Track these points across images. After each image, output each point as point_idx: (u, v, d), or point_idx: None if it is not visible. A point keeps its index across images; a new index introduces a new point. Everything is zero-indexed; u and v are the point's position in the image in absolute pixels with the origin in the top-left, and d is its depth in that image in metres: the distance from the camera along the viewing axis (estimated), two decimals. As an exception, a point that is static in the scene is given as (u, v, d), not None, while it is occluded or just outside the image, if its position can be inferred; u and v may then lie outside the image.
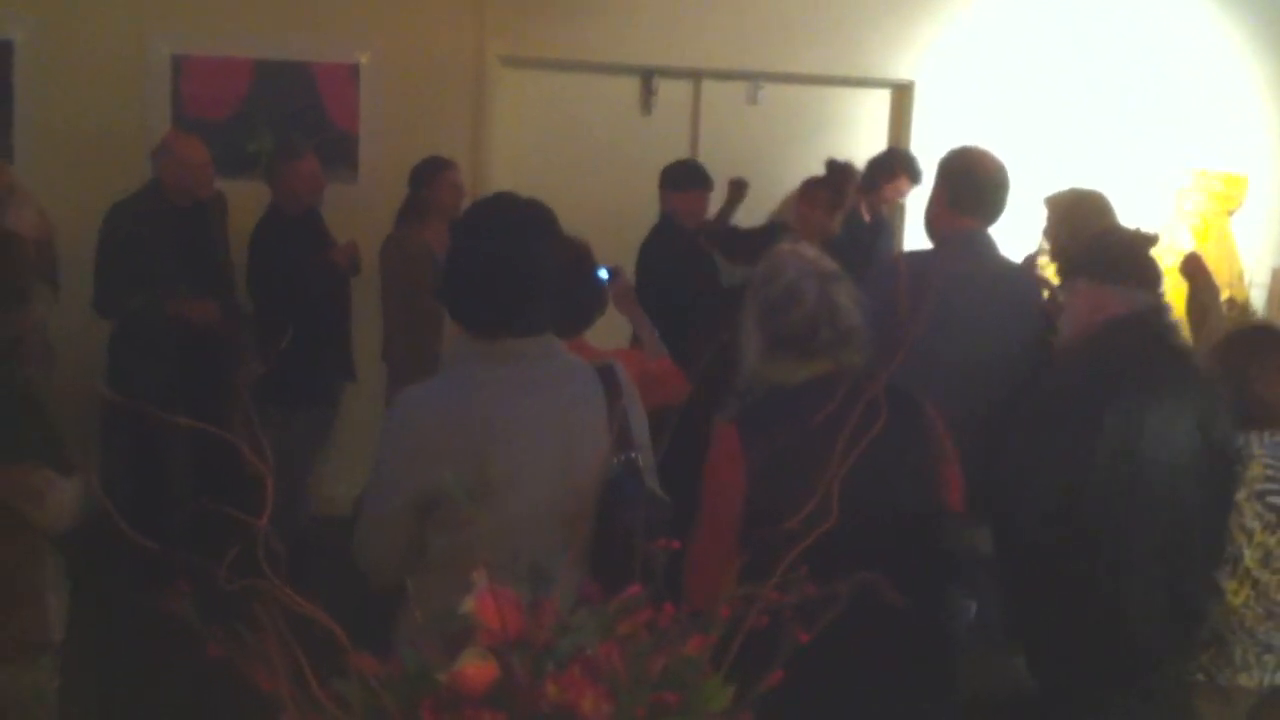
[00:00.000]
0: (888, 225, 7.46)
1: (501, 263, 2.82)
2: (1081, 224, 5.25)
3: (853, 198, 7.03)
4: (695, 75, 7.80)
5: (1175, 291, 6.96)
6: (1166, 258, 7.38)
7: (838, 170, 7.11)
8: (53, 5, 6.94)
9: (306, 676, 1.57)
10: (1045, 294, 4.82)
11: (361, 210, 6.95)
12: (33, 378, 3.58)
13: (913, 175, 7.17)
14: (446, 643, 1.60)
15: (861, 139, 7.81)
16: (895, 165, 7.25)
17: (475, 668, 1.53)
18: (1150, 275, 3.93)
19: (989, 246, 4.57)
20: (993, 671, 3.91)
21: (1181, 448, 3.54)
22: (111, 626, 4.59)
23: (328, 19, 7.19)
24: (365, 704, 1.57)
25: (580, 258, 4.03)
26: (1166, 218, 7.63)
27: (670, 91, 7.80)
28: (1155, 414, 3.53)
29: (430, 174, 6.58)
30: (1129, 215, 6.71)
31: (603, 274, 4.13)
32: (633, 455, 2.92)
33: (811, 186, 6.95)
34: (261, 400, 6.26)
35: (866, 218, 7.23)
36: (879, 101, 7.98)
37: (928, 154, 7.69)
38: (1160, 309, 3.86)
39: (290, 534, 3.08)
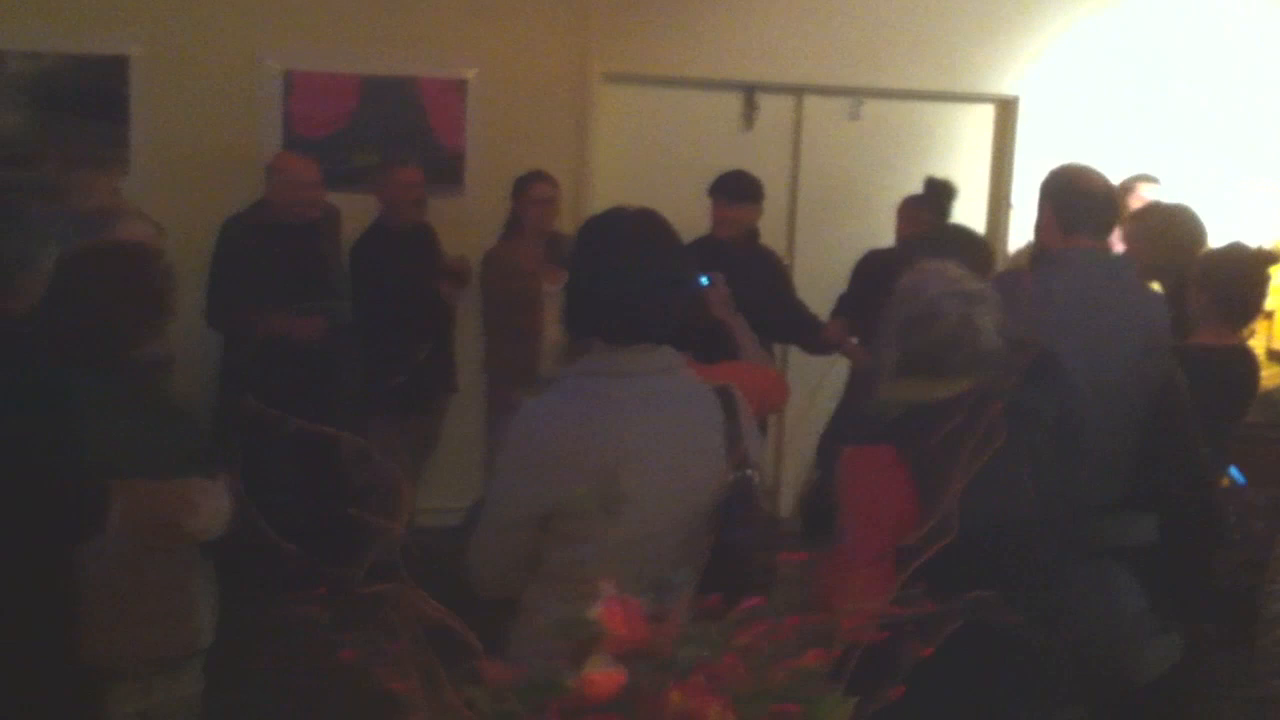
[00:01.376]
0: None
1: (622, 268, 2.82)
2: (1158, 238, 5.22)
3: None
4: (797, 91, 7.81)
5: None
6: (1278, 277, 7.33)
7: (937, 187, 7.08)
8: (168, 21, 7.09)
9: (438, 680, 1.61)
10: None
11: (467, 225, 7.05)
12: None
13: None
14: (571, 650, 1.64)
15: (964, 155, 7.79)
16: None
17: (602, 674, 1.57)
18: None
19: (1105, 263, 4.50)
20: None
21: None
22: (245, 630, 4.70)
23: (434, 35, 7.30)
24: (493, 709, 1.61)
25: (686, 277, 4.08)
26: (1275, 236, 7.53)
27: (772, 107, 7.82)
28: None
29: (521, 188, 6.71)
30: (1235, 232, 6.67)
31: (703, 280, 4.17)
32: (748, 473, 2.91)
33: (911, 205, 6.93)
34: (366, 412, 6.39)
35: None
36: (982, 117, 7.96)
37: (1031, 171, 7.67)
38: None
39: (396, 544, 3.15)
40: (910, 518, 2.94)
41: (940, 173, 7.15)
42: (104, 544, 3.40)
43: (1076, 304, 4.05)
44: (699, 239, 6.43)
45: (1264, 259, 5.14)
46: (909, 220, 6.72)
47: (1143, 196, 6.66)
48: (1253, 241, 5.50)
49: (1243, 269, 4.89)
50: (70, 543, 3.32)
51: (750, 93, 7.77)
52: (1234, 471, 5.05)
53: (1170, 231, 5.22)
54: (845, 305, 6.63)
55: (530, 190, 6.66)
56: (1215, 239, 5.54)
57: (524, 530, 2.83)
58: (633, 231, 2.92)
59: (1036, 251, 4.79)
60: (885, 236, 6.60)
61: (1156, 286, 5.00)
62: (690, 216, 6.59)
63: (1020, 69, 7.72)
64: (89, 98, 7.03)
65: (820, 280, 7.08)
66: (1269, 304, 7.32)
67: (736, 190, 6.56)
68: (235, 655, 4.10)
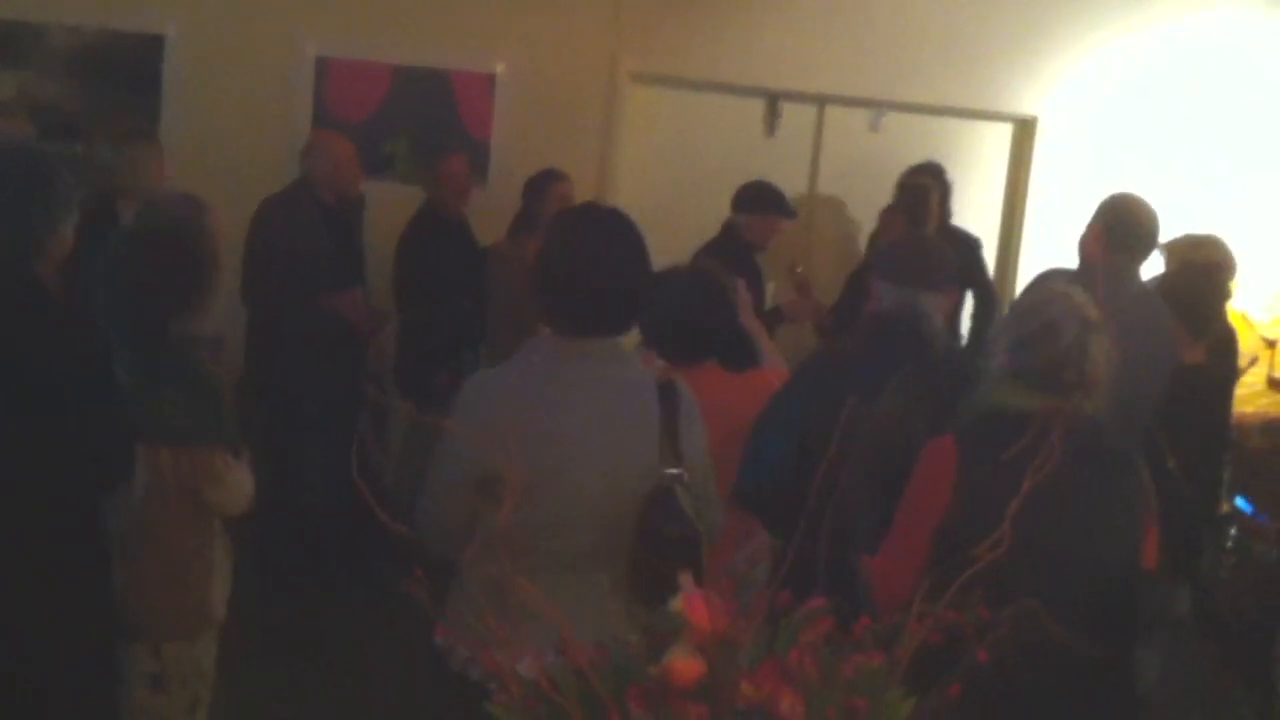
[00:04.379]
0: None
1: (579, 265, 3.02)
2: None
3: (935, 216, 7.07)
4: (819, 100, 7.89)
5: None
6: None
7: (912, 192, 7.18)
8: (205, 2, 7.17)
9: (524, 660, 1.72)
10: None
11: (491, 216, 7.12)
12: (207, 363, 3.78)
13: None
14: (650, 639, 1.73)
15: (982, 172, 7.88)
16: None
17: (684, 663, 1.67)
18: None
19: (1134, 278, 5.05)
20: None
21: None
22: (261, 603, 4.81)
23: (466, 28, 7.38)
24: (577, 689, 1.71)
25: (713, 289, 4.19)
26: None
27: (794, 115, 7.90)
28: None
29: (540, 187, 6.75)
30: (1251, 257, 6.78)
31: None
32: (679, 473, 3.02)
33: (888, 215, 7.07)
34: (398, 396, 6.52)
35: None
36: (1000, 135, 8.05)
37: (1049, 189, 7.79)
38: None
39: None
40: (937, 516, 3.07)
41: (957, 189, 7.27)
42: (128, 505, 3.51)
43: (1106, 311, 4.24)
44: (727, 241, 6.54)
45: (1218, 276, 5.35)
46: (887, 230, 6.87)
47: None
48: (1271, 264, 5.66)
49: (1197, 284, 5.14)
50: (99, 486, 3.43)
51: (774, 100, 7.85)
52: (1240, 501, 5.19)
53: (1197, 258, 5.47)
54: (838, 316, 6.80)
55: (550, 189, 6.73)
56: (1240, 263, 5.72)
57: (464, 490, 2.97)
58: (600, 228, 3.13)
59: (1080, 260, 5.18)
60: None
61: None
62: (709, 218, 6.73)
63: (1040, 90, 7.81)
64: (125, 73, 7.12)
65: (835, 289, 7.19)
66: (1274, 332, 7.44)
67: (782, 204, 6.73)
68: (251, 626, 4.21)
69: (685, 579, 1.74)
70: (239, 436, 3.75)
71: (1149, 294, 5.20)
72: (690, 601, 1.70)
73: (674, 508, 2.94)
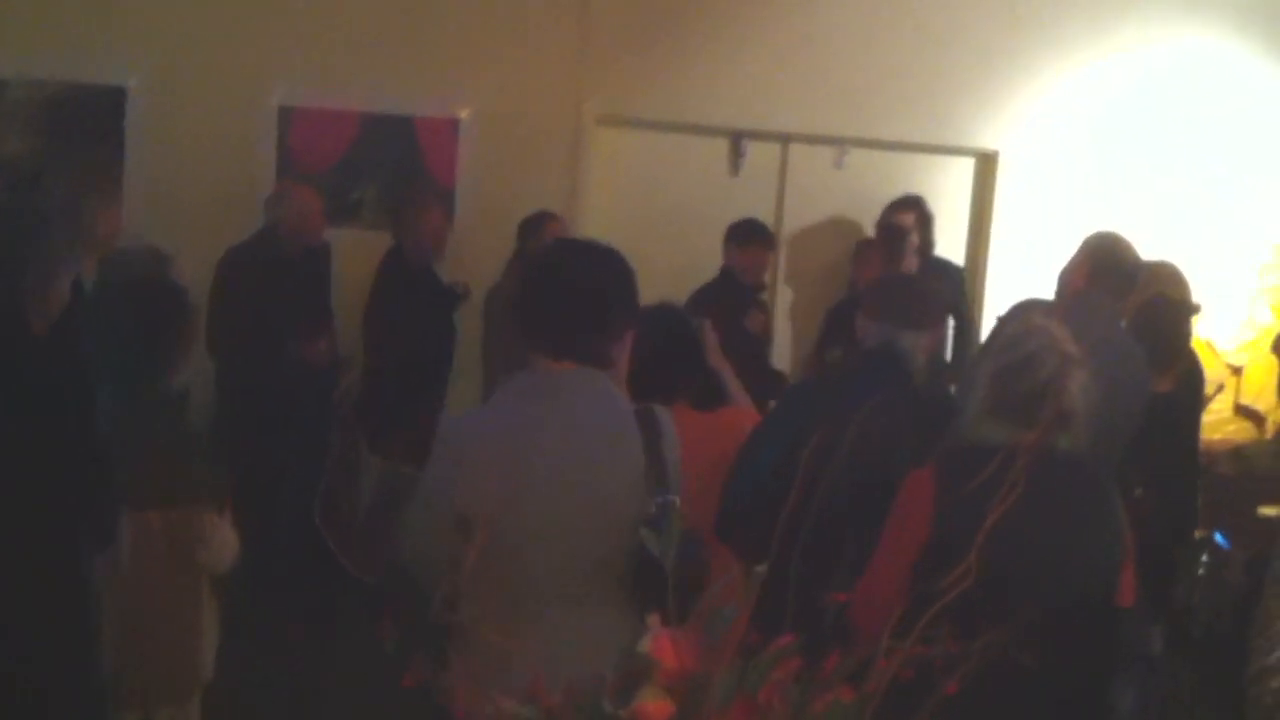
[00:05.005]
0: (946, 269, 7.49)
1: (562, 284, 3.04)
2: (1142, 290, 5.54)
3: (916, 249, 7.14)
4: (783, 138, 7.94)
5: (1262, 367, 7.07)
6: (1247, 332, 7.52)
7: (889, 232, 7.26)
8: (166, 54, 7.16)
9: (498, 704, 1.71)
10: None
11: (457, 261, 7.16)
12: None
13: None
14: (621, 680, 1.73)
15: (946, 206, 7.90)
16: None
17: (654, 704, 1.67)
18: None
19: (1114, 314, 5.11)
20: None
21: None
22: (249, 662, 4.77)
23: (430, 74, 7.40)
24: (549, 733, 1.71)
25: (677, 325, 4.21)
26: (1248, 293, 7.70)
27: (758, 153, 7.94)
28: None
29: (536, 226, 6.79)
30: (1210, 290, 6.84)
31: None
32: (670, 498, 3.04)
33: (865, 249, 7.14)
34: (362, 440, 6.52)
35: None
36: (963, 170, 8.10)
37: (1012, 222, 7.84)
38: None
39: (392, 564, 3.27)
40: (916, 545, 3.08)
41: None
42: (114, 569, 3.48)
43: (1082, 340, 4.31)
44: (721, 279, 6.60)
45: (1185, 310, 5.42)
46: (863, 265, 6.93)
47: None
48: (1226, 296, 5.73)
49: (1167, 318, 5.21)
50: (88, 549, 3.39)
51: (737, 139, 7.89)
52: (1218, 537, 5.23)
53: (1152, 285, 5.52)
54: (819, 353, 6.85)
55: (546, 228, 6.76)
56: (1196, 293, 5.78)
57: (442, 531, 2.88)
58: (587, 249, 3.17)
59: (1059, 294, 5.25)
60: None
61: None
62: (676, 258, 6.76)
63: (1000, 124, 7.86)
64: (88, 126, 7.11)
65: (802, 326, 7.22)
66: (1239, 359, 7.51)
67: (768, 238, 6.79)
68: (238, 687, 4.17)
69: (653, 619, 1.74)
70: (223, 492, 3.73)
71: (1124, 331, 5.27)
72: (659, 641, 1.70)
73: (675, 533, 2.95)
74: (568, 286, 3.03)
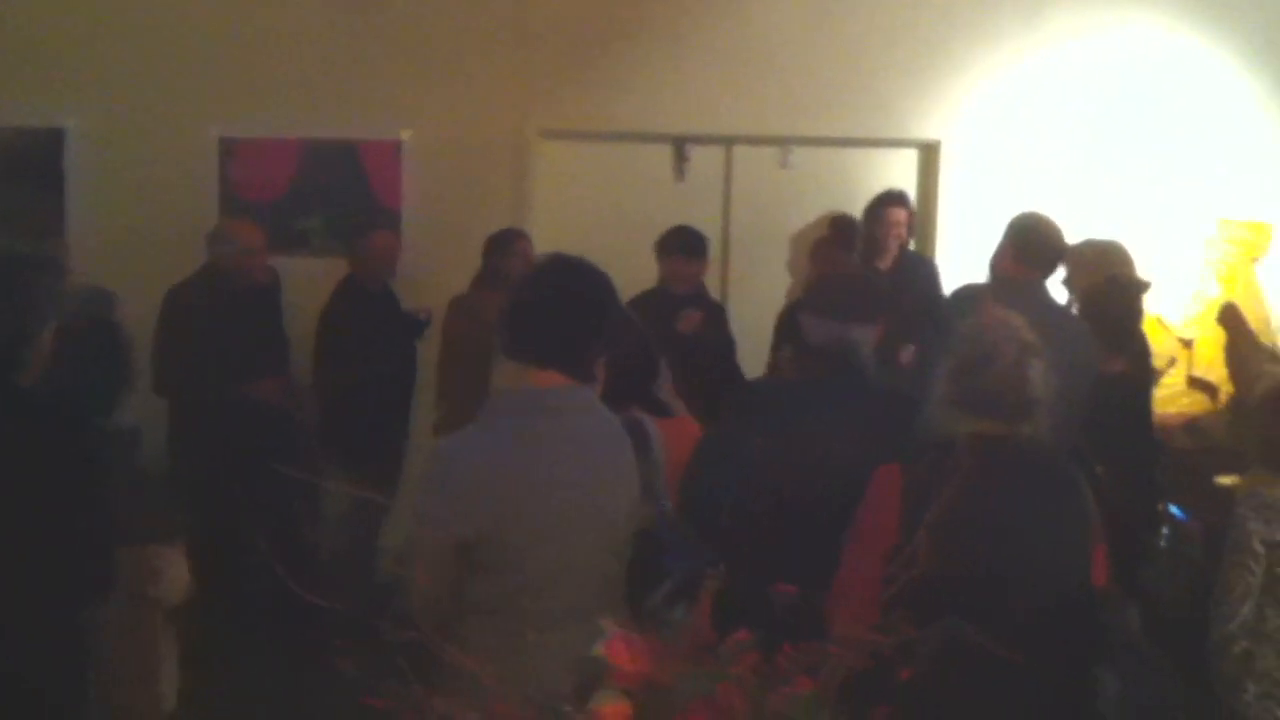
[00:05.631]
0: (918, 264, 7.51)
1: (558, 297, 3.05)
2: (1093, 272, 5.65)
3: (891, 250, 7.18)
4: (726, 141, 7.96)
5: (1211, 340, 7.12)
6: (1196, 305, 7.57)
7: (843, 226, 7.28)
8: (104, 94, 7.15)
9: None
10: None
11: (407, 283, 7.15)
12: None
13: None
14: (578, 684, 1.74)
15: (891, 199, 7.96)
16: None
17: (609, 708, 1.67)
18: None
19: (1046, 292, 5.27)
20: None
21: None
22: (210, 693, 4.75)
23: (370, 98, 7.41)
24: (509, 745, 1.71)
25: (632, 329, 4.21)
26: (1195, 267, 7.75)
27: (702, 158, 7.97)
28: None
29: (504, 244, 6.79)
30: (1157, 266, 6.89)
31: None
32: (665, 505, 3.04)
33: (821, 247, 7.15)
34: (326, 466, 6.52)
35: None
36: (907, 161, 8.14)
37: (956, 211, 7.88)
38: None
39: (363, 591, 3.25)
40: (887, 541, 3.10)
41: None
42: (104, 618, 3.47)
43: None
44: (651, 291, 6.57)
45: (1137, 288, 5.46)
46: (824, 261, 6.93)
47: None
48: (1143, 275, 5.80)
49: (1119, 297, 5.26)
50: (85, 597, 3.36)
51: (680, 145, 7.91)
52: (1175, 509, 5.27)
53: (1104, 265, 5.57)
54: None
55: (514, 245, 6.76)
56: (1144, 270, 5.85)
57: (446, 561, 2.91)
58: (572, 264, 3.15)
59: (991, 276, 5.39)
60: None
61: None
62: (627, 268, 6.72)
63: (942, 115, 7.89)
64: (27, 170, 7.08)
65: (753, 328, 7.22)
66: (1189, 333, 7.56)
67: (691, 245, 6.74)
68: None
69: (606, 624, 1.75)
70: (174, 528, 3.72)
71: (1063, 308, 5.46)
72: (613, 644, 1.71)
73: (674, 540, 2.97)
74: (568, 300, 3.05)
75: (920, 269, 7.21)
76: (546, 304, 3.05)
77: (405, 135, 7.46)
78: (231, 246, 6.51)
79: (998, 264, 5.36)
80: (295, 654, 6.12)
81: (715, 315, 6.94)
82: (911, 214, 7.31)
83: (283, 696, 5.80)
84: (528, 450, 2.94)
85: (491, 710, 1.72)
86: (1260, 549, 3.78)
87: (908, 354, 6.03)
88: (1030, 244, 5.27)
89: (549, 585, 2.89)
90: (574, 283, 3.08)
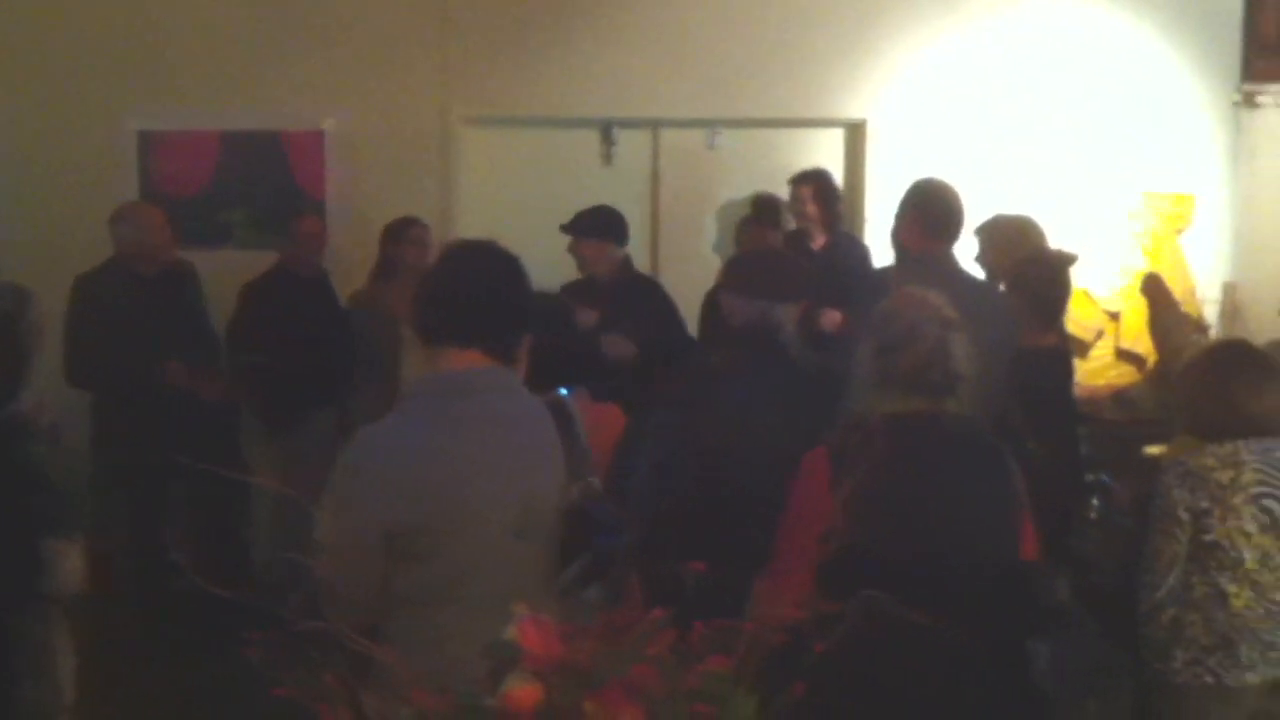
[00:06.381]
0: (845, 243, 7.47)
1: (473, 277, 3.04)
2: (1008, 247, 5.65)
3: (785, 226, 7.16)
4: (653, 124, 7.94)
5: (1138, 311, 7.19)
6: (1122, 278, 7.63)
7: (763, 205, 7.25)
8: (21, 86, 7.04)
9: (367, 713, 1.68)
10: None
11: (333, 273, 7.08)
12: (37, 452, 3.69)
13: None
14: (490, 670, 1.71)
15: (819, 178, 7.96)
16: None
17: (521, 691, 1.65)
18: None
19: (956, 263, 5.20)
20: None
21: None
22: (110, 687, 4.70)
23: (291, 87, 7.33)
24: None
25: (562, 312, 4.20)
26: (1119, 239, 7.82)
27: (629, 142, 7.95)
28: None
29: (395, 232, 6.79)
30: (1083, 240, 6.94)
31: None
32: (591, 480, 3.02)
33: (745, 226, 7.14)
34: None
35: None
36: (834, 140, 8.15)
37: (884, 189, 7.89)
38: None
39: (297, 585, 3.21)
40: (820, 524, 3.09)
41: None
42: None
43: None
44: (579, 281, 6.47)
45: (1066, 260, 5.49)
46: (754, 240, 6.91)
47: None
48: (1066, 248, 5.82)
49: (1050, 272, 5.28)
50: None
51: (607, 128, 7.88)
52: (1108, 479, 5.30)
53: (1024, 240, 5.58)
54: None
55: (407, 233, 6.74)
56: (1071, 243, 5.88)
57: (371, 551, 2.88)
58: (482, 248, 3.15)
59: (897, 252, 5.29)
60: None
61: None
62: (554, 254, 6.70)
63: (868, 94, 7.90)
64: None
65: (686, 311, 7.20)
66: (1116, 305, 7.63)
67: (583, 227, 6.48)
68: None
69: (518, 607, 1.72)
70: (71, 521, 3.66)
71: (977, 279, 5.42)
72: (524, 627, 1.69)
73: (603, 515, 2.95)
74: (479, 281, 3.03)
75: (853, 250, 7.18)
76: (458, 286, 3.03)
77: (328, 125, 7.40)
78: (132, 228, 6.42)
79: (905, 237, 5.24)
80: (204, 645, 6.11)
81: (648, 290, 6.78)
82: (824, 191, 7.20)
83: (190, 687, 5.75)
84: (448, 434, 2.92)
85: (410, 700, 1.69)
86: (1185, 516, 3.81)
87: (831, 319, 5.90)
88: (939, 215, 5.14)
89: (474, 570, 2.86)
90: (485, 264, 3.07)
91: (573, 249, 6.40)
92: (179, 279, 6.64)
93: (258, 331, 6.65)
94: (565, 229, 6.38)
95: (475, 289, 3.01)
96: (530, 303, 3.13)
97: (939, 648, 2.84)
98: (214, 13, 7.34)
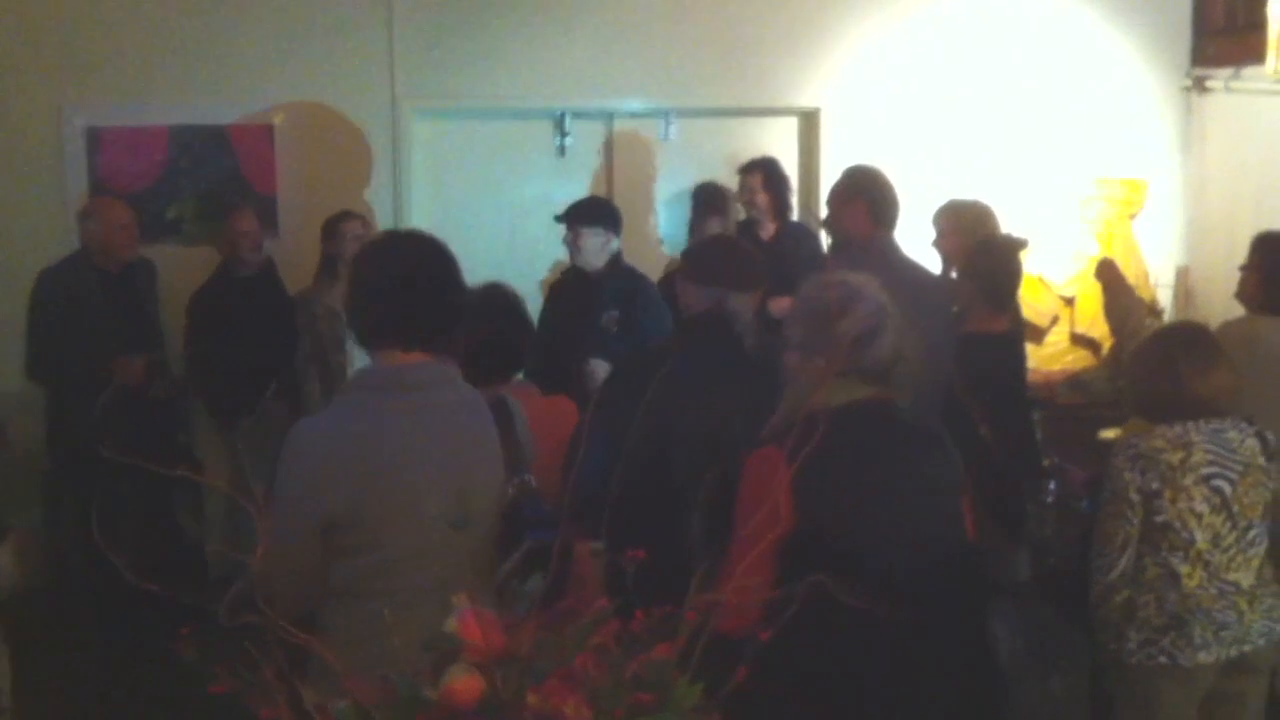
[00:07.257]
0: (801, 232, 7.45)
1: (402, 274, 2.99)
2: (968, 233, 5.72)
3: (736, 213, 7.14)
4: (606, 115, 7.92)
5: (1092, 297, 7.21)
6: (1076, 264, 7.67)
7: (705, 193, 7.19)
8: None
9: (305, 706, 1.66)
10: None
11: (286, 268, 7.03)
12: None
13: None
14: (431, 662, 1.69)
15: (773, 167, 7.96)
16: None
17: (462, 683, 1.63)
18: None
19: (900, 250, 5.30)
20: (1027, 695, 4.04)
21: None
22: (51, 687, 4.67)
23: (239, 82, 7.26)
24: (364, 728, 1.66)
25: (512, 303, 4.17)
26: (1072, 225, 7.85)
27: (583, 132, 7.91)
28: None
29: (332, 228, 6.71)
30: (1035, 225, 6.97)
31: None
32: (526, 478, 3.01)
33: (701, 215, 7.10)
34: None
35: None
36: (787, 129, 8.14)
37: (836, 176, 7.87)
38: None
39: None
40: (779, 520, 3.05)
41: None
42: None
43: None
44: (567, 271, 6.40)
45: (1016, 246, 5.51)
46: (701, 230, 6.88)
47: None
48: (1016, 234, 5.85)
49: (1001, 258, 5.31)
50: None
51: (560, 119, 7.85)
52: (1060, 462, 5.32)
53: (981, 226, 5.63)
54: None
55: (342, 228, 6.66)
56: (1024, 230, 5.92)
57: (306, 543, 2.88)
58: (408, 241, 3.15)
59: (840, 240, 5.40)
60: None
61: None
62: (506, 244, 6.70)
63: (820, 82, 7.90)
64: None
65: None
66: (1070, 290, 7.66)
67: (587, 215, 6.44)
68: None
69: (458, 599, 1.71)
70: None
71: (919, 267, 5.45)
72: (464, 619, 1.67)
73: (536, 512, 2.94)
74: (403, 274, 2.99)
75: (804, 240, 7.16)
76: (382, 280, 3.00)
77: (277, 119, 7.33)
78: (99, 224, 6.43)
79: (852, 225, 5.30)
80: (141, 643, 6.06)
81: (638, 283, 6.67)
82: (773, 180, 7.15)
83: (135, 685, 5.71)
84: (383, 426, 2.91)
85: (348, 692, 1.67)
86: (1136, 498, 3.83)
87: (779, 306, 5.86)
88: (889, 203, 5.26)
89: (408, 563, 2.87)
90: (408, 255, 3.04)
91: (568, 239, 6.30)
92: (143, 275, 6.64)
93: (209, 341, 6.63)
94: (561, 219, 6.32)
95: (395, 284, 2.98)
96: (461, 290, 3.10)
97: (888, 632, 2.83)
98: (160, 6, 7.27)
